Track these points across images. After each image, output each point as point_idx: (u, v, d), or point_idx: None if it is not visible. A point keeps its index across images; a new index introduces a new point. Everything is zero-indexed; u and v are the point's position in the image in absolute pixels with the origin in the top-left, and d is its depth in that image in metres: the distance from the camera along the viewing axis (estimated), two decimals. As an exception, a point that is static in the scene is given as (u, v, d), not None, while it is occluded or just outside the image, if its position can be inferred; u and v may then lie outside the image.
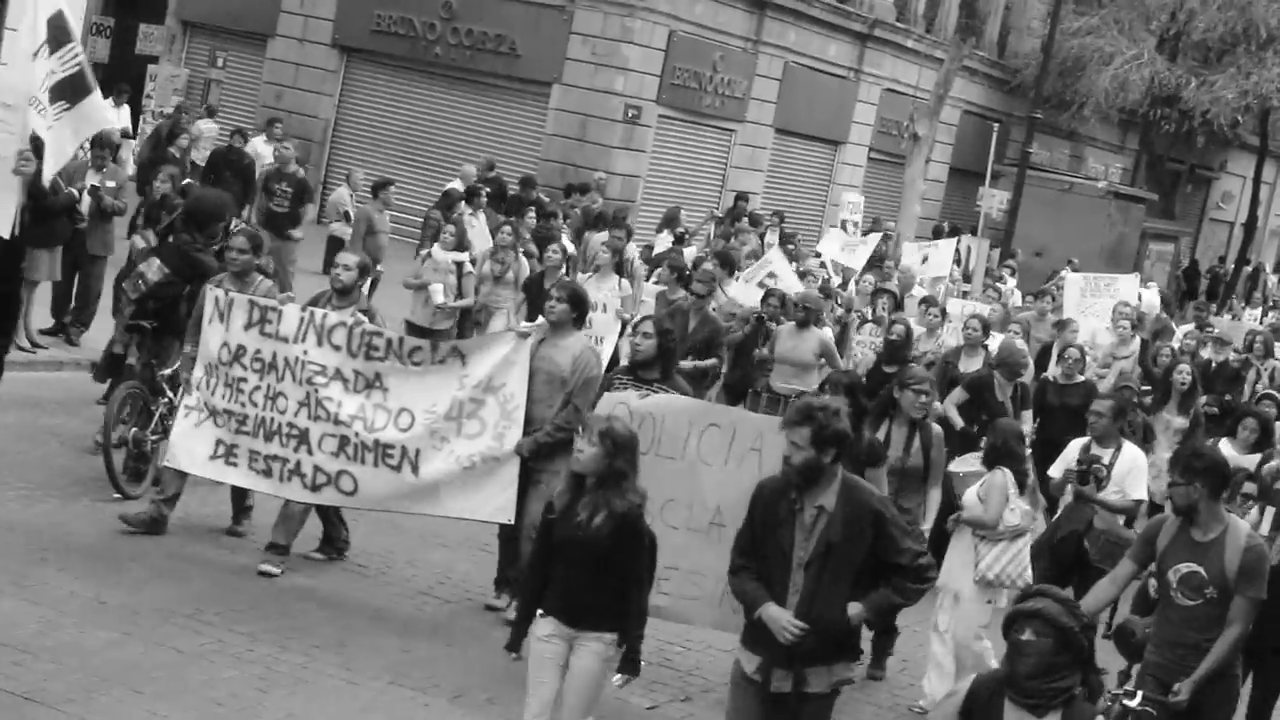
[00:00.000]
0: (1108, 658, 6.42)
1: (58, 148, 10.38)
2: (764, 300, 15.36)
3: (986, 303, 19.54)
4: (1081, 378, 14.37)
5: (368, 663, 8.81)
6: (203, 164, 22.65)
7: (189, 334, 10.54)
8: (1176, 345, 17.34)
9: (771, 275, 16.43)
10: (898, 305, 17.54)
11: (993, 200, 32.34)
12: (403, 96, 30.71)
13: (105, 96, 24.07)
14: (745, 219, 25.75)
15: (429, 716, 8.35)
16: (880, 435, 10.09)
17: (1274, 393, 14.05)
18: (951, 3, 38.35)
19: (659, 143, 30.28)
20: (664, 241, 21.88)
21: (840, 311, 17.37)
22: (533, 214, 20.59)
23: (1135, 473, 10.56)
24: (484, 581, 10.41)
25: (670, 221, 23.38)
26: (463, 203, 20.60)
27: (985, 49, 39.68)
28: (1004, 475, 9.72)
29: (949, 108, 33.68)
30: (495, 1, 29.36)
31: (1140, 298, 23.76)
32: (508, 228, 16.92)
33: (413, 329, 14.94)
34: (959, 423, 12.94)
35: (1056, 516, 10.84)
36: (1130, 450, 10.70)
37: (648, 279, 17.15)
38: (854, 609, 6.60)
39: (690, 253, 19.87)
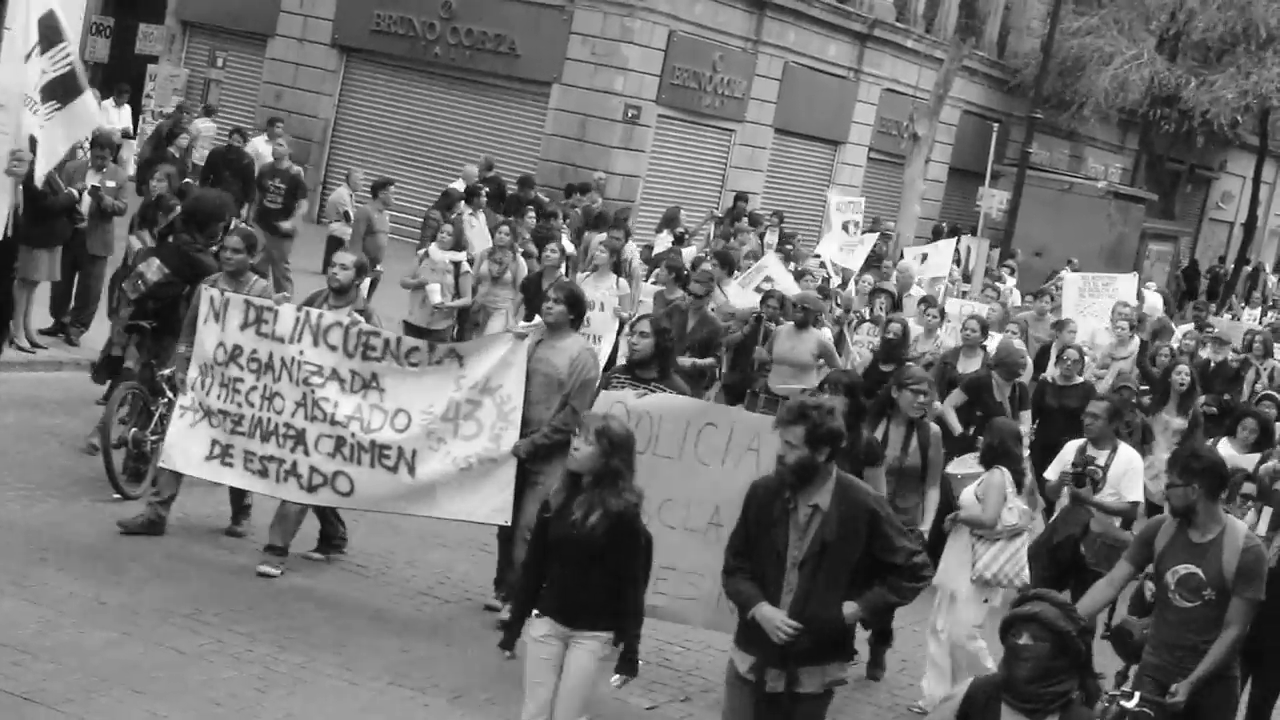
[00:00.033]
0: (1105, 658, 6.42)
1: (49, 147, 10.39)
2: (763, 301, 15.36)
3: (985, 303, 19.52)
4: (1080, 379, 14.32)
5: (367, 663, 8.81)
6: (201, 164, 22.66)
7: (183, 334, 10.51)
8: (1176, 345, 17.33)
9: (768, 280, 16.41)
10: (896, 305, 17.52)
11: (992, 200, 32.34)
12: (402, 96, 30.72)
13: (106, 97, 24.21)
14: (745, 219, 25.76)
15: (428, 717, 8.35)
16: (878, 435, 10.07)
17: (1274, 393, 14.02)
18: (951, 3, 38.36)
19: (658, 143, 30.28)
20: (664, 241, 21.88)
21: (839, 312, 17.36)
22: (532, 214, 20.60)
23: (1131, 474, 10.52)
24: (483, 582, 10.42)
25: (670, 222, 23.39)
26: (462, 203, 20.61)
27: (985, 49, 39.68)
28: (1002, 475, 9.70)
29: (949, 108, 33.68)
30: (495, 1, 29.37)
31: (1143, 299, 23.79)
32: (505, 228, 16.91)
33: (410, 329, 14.92)
34: (956, 428, 12.86)
35: (1053, 519, 10.78)
36: (1126, 452, 10.66)
37: (647, 279, 17.15)
38: (849, 608, 6.59)
39: (690, 253, 19.87)
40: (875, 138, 36.18)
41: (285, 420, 9.96)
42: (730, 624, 7.05)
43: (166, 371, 11.15)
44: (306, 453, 9.92)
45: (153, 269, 11.37)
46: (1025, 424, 13.15)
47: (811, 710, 6.66)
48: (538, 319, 10.24)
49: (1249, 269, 44.45)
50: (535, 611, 7.14)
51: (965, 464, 10.47)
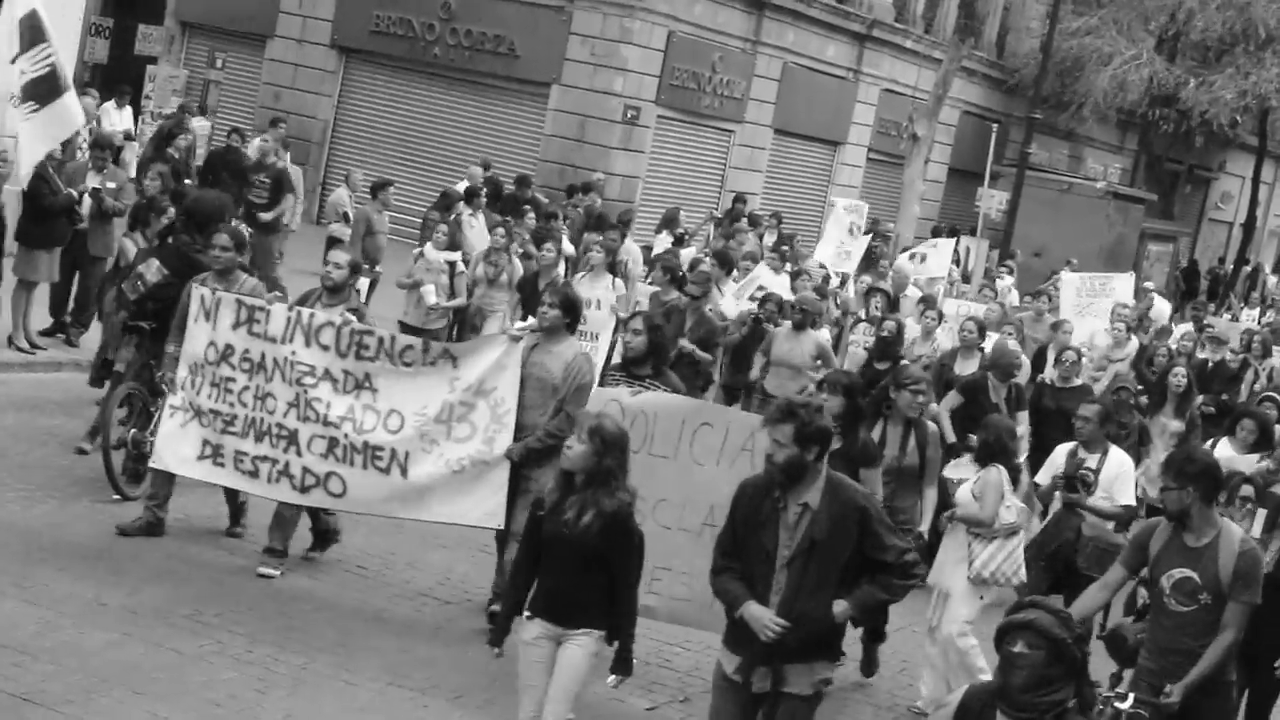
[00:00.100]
0: (1097, 660, 6.39)
1: (28, 147, 10.40)
2: (761, 303, 15.37)
3: (982, 303, 19.49)
4: (1079, 381, 14.27)
5: (367, 664, 8.82)
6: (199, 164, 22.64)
7: (173, 333, 10.47)
8: (1174, 346, 17.30)
9: (761, 289, 16.40)
10: (892, 305, 17.50)
11: (992, 201, 32.33)
12: (401, 97, 30.73)
13: (107, 98, 24.20)
14: (744, 220, 25.76)
15: (428, 717, 8.36)
16: (875, 435, 10.06)
17: (1275, 394, 13.97)
18: (950, 3, 38.36)
19: (658, 143, 30.29)
20: (663, 242, 21.89)
21: (837, 314, 17.36)
22: (531, 215, 20.59)
23: (1123, 478, 10.47)
24: (483, 583, 10.41)
25: (669, 222, 23.40)
26: (461, 203, 20.61)
27: (984, 49, 39.70)
28: (999, 473, 9.68)
29: (948, 108, 33.69)
30: (494, 2, 29.39)
31: (1151, 302, 23.74)
32: (501, 229, 16.89)
33: (406, 329, 14.91)
34: (950, 436, 12.75)
35: (1045, 524, 10.69)
36: (1117, 455, 10.60)
37: (645, 279, 17.13)
38: (839, 607, 6.56)
39: (689, 253, 19.87)
40: (874, 138, 36.19)
41: (278, 420, 9.94)
42: (723, 626, 7.03)
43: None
44: (299, 453, 9.90)
45: (152, 270, 11.37)
46: (1022, 425, 13.07)
47: (797, 711, 6.61)
48: (532, 320, 10.19)
49: (1248, 269, 44.45)
50: (527, 613, 7.10)
51: (961, 467, 10.42)
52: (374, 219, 19.43)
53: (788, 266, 19.39)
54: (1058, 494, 10.57)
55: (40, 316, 15.28)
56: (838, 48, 34.23)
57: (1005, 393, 13.33)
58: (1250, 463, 11.28)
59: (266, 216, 18.87)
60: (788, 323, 14.60)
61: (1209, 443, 12.55)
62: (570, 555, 6.91)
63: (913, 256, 22.27)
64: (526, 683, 7.10)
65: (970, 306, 18.59)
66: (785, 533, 6.55)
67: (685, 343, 13.77)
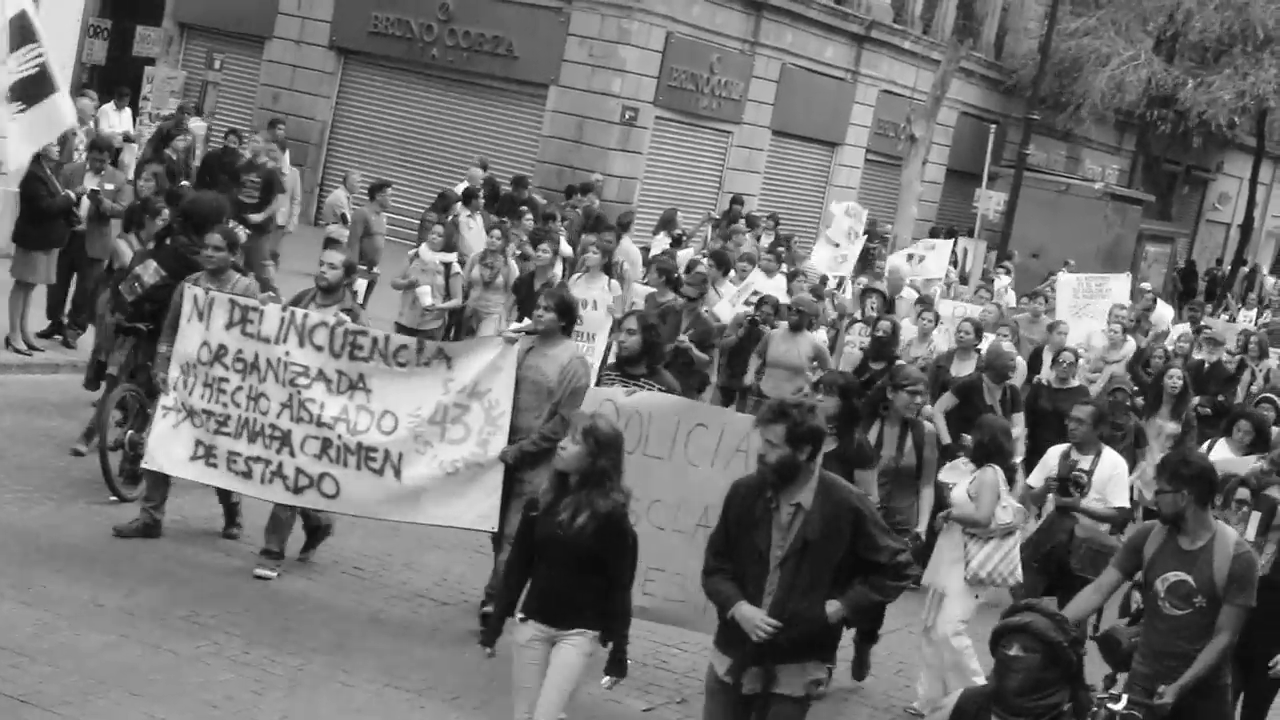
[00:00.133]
0: (1091, 662, 6.38)
1: (15, 147, 10.40)
2: (758, 305, 15.38)
3: (978, 304, 19.49)
4: (1076, 382, 14.27)
5: (364, 665, 8.83)
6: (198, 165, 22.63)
7: (164, 333, 10.45)
8: (1170, 347, 17.30)
9: (755, 294, 16.41)
10: (888, 306, 17.51)
11: (989, 202, 32.38)
12: (400, 98, 30.74)
13: (106, 100, 24.18)
14: (742, 221, 25.76)
15: (424, 718, 8.37)
16: (872, 436, 10.06)
17: (1273, 396, 13.97)
18: (949, 4, 38.38)
19: (656, 144, 30.30)
20: (661, 243, 21.90)
21: (833, 315, 17.37)
22: (529, 216, 20.60)
23: (1116, 479, 10.43)
24: (480, 584, 10.39)
25: (667, 224, 23.41)
26: (459, 204, 20.62)
27: (982, 50, 39.72)
28: (995, 473, 9.66)
29: (946, 109, 33.69)
30: (492, 3, 29.40)
31: (1150, 303, 23.72)
32: (497, 231, 16.88)
33: (402, 330, 14.90)
34: (945, 438, 12.72)
35: (1037, 528, 10.65)
36: (1110, 456, 10.55)
37: (644, 280, 17.15)
38: (832, 607, 6.54)
39: (686, 254, 19.87)
40: (872, 139, 36.20)
41: (271, 421, 9.92)
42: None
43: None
44: (292, 454, 9.88)
45: (150, 271, 11.36)
46: (1018, 426, 13.07)
47: (789, 712, 6.59)
48: (528, 321, 10.18)
49: (1246, 270, 44.46)
50: (520, 615, 7.08)
51: (956, 470, 10.36)
52: (372, 220, 19.44)
53: (783, 268, 19.40)
54: (1050, 497, 10.54)
55: (38, 318, 15.29)
56: (836, 49, 34.24)
57: (1000, 394, 13.31)
58: (1247, 465, 11.26)
59: (256, 218, 18.83)
60: (784, 324, 14.61)
61: (1205, 444, 12.55)
62: (565, 557, 6.89)
63: (910, 258, 22.27)
64: (520, 685, 7.08)
65: (966, 308, 18.59)
66: (778, 533, 6.53)
67: (684, 338, 13.79)
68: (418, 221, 21.68)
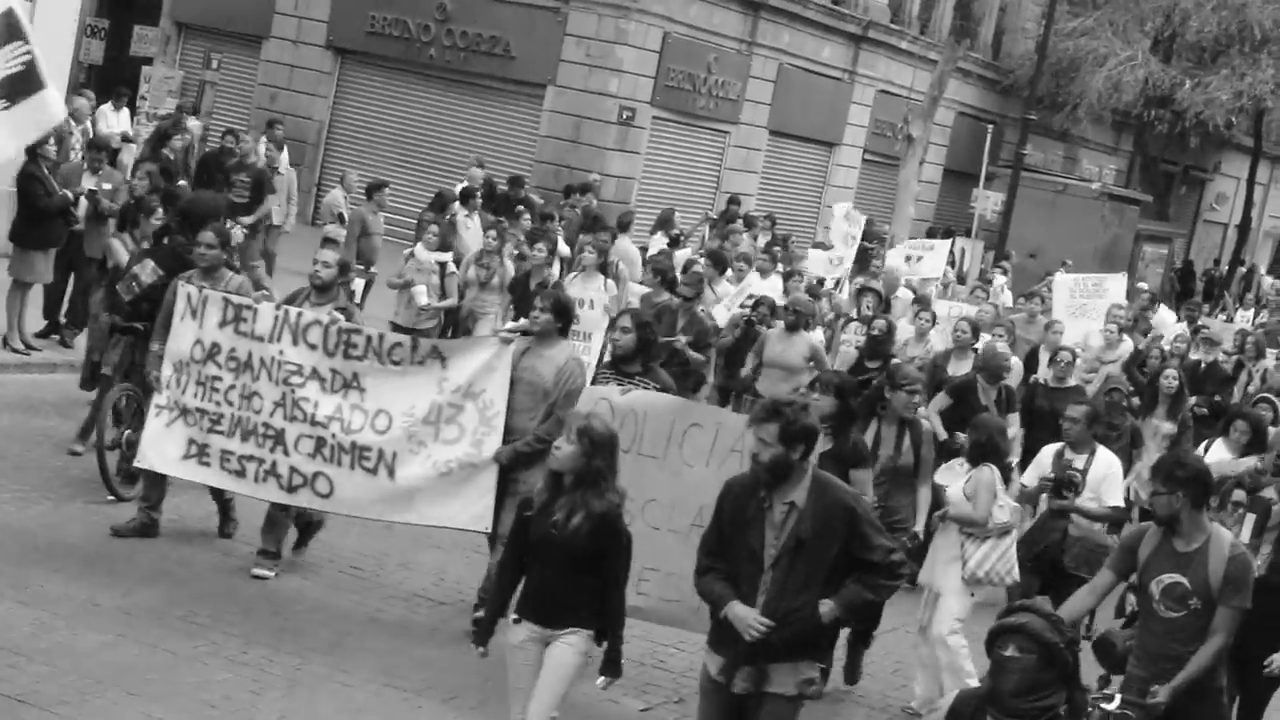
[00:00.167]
0: (1086, 663, 6.37)
1: (1, 143, 10.37)
2: (754, 306, 15.38)
3: (974, 303, 19.50)
4: (1073, 381, 14.27)
5: (361, 665, 8.84)
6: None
7: (157, 331, 10.43)
8: (1167, 347, 17.31)
9: (751, 296, 16.41)
10: (885, 305, 17.50)
11: (987, 202, 32.38)
12: (397, 98, 30.72)
13: (104, 100, 24.17)
14: (739, 220, 25.75)
15: (422, 718, 8.38)
16: (870, 435, 10.06)
17: (1271, 396, 13.98)
18: (946, 4, 38.39)
19: (653, 144, 30.29)
20: (658, 243, 21.89)
21: (830, 315, 17.37)
22: (527, 216, 20.58)
23: (1111, 479, 10.41)
24: (477, 584, 10.41)
25: (664, 224, 23.39)
26: (456, 204, 20.61)
27: (980, 50, 39.72)
28: (991, 472, 9.67)
29: (943, 109, 33.70)
30: (489, 3, 29.39)
31: (1147, 302, 23.73)
32: (493, 232, 16.86)
33: (397, 330, 14.90)
34: (942, 434, 12.73)
35: (1030, 527, 10.63)
36: (1105, 456, 10.53)
37: (642, 280, 17.14)
38: (825, 606, 6.53)
39: (684, 254, 19.88)
40: (870, 139, 36.19)
41: (264, 420, 9.90)
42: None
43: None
44: (286, 453, 9.86)
45: (147, 271, 11.37)
46: (1013, 426, 13.07)
47: (780, 711, 6.58)
48: (524, 321, 10.16)
49: (1243, 270, 44.48)
50: (514, 616, 7.06)
51: (951, 472, 10.33)
52: (369, 220, 19.42)
53: (779, 267, 19.40)
54: (1044, 496, 10.53)
55: (35, 318, 15.29)
56: (833, 49, 34.24)
57: (995, 394, 13.31)
58: (1244, 465, 11.26)
59: (247, 220, 18.78)
60: (780, 324, 14.61)
61: (1202, 444, 12.55)
62: (559, 557, 6.87)
63: (909, 258, 22.27)
64: (515, 686, 7.07)
65: (962, 307, 18.59)
66: (771, 532, 6.53)
67: (680, 338, 13.79)
68: (415, 221, 21.66)
